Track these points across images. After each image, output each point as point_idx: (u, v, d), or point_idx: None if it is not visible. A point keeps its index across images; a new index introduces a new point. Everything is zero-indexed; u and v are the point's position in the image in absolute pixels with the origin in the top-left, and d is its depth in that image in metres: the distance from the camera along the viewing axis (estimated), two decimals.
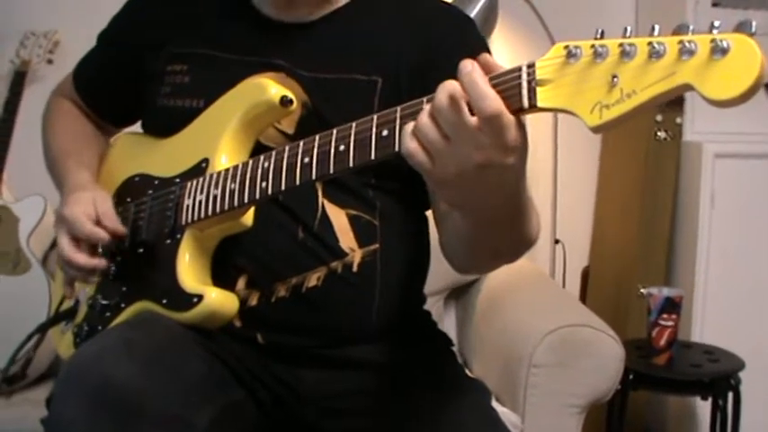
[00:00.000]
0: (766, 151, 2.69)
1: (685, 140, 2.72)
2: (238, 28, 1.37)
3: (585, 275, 3.02)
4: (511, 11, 2.65)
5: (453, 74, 0.93)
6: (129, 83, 1.45)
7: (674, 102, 2.67)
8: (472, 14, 2.41)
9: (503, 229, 1.08)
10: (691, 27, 0.82)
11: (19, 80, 2.45)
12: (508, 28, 2.70)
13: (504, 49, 2.69)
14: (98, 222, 1.30)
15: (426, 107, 0.95)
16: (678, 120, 2.70)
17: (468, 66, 0.92)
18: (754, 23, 0.79)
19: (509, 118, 0.91)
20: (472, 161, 0.92)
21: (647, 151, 2.72)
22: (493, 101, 0.90)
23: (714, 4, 2.67)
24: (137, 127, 1.53)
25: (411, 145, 0.94)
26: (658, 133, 2.70)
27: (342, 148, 1.05)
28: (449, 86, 0.92)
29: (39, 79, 2.50)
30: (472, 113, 0.91)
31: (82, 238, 1.30)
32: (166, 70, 1.38)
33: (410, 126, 0.95)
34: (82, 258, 1.30)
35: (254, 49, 1.34)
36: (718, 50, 0.79)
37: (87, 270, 1.31)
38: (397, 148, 0.99)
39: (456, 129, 0.92)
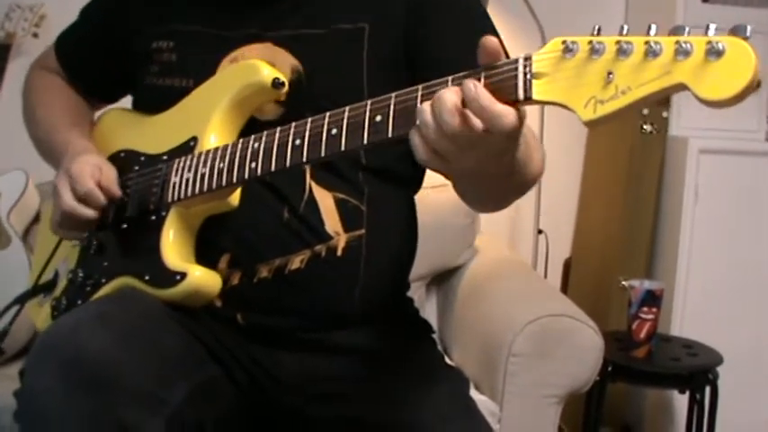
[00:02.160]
0: (751, 148, 2.70)
1: (671, 135, 2.73)
2: (220, 3, 1.36)
3: (567, 266, 3.03)
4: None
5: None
6: (112, 58, 1.45)
7: None
8: None
9: (507, 179, 1.10)
10: (687, 29, 0.84)
11: (3, 54, 2.42)
12: (498, 17, 2.68)
13: None
14: (99, 185, 1.29)
15: (431, 122, 0.93)
16: (664, 114, 2.70)
17: (472, 88, 0.91)
18: (749, 27, 0.81)
19: (518, 120, 0.92)
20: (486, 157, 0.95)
21: (633, 144, 2.73)
22: (509, 116, 0.91)
23: (704, 0, 2.67)
24: (124, 102, 1.52)
25: (425, 155, 0.95)
26: (644, 126, 2.70)
27: (334, 131, 1.05)
28: (451, 106, 0.91)
29: (24, 53, 2.47)
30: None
31: (81, 196, 1.29)
32: (152, 48, 1.37)
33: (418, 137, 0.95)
34: (80, 208, 1.28)
35: (238, 22, 1.33)
36: (714, 52, 0.81)
37: (81, 219, 1.29)
38: (390, 134, 1.00)
39: (473, 142, 0.93)
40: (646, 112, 2.69)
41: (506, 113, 0.91)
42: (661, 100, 2.75)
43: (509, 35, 2.69)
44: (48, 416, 1.04)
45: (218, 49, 1.31)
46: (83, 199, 1.28)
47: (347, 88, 1.26)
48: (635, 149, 2.73)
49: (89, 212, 1.29)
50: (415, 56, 1.28)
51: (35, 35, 2.49)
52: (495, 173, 1.02)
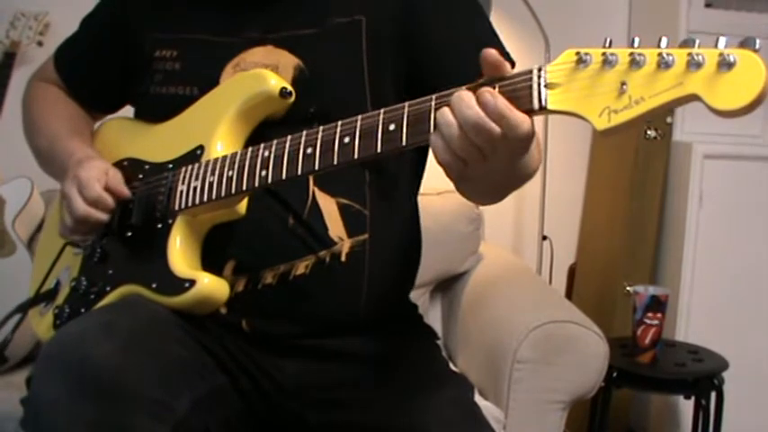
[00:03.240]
0: (755, 153, 2.70)
1: (675, 140, 2.73)
2: (222, 8, 1.37)
3: (572, 272, 3.03)
4: (504, 7, 2.65)
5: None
6: (114, 70, 1.46)
7: None
8: None
9: (511, 177, 1.12)
10: (696, 41, 0.86)
11: (8, 61, 2.43)
12: (501, 24, 2.69)
13: None
14: (107, 188, 1.29)
15: (455, 122, 0.95)
16: (668, 119, 2.70)
17: (491, 99, 0.93)
18: (758, 40, 0.84)
19: (532, 126, 0.95)
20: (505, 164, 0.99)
21: (637, 149, 2.73)
22: (525, 124, 0.94)
23: (707, 5, 2.67)
24: (123, 112, 1.53)
25: (447, 157, 0.97)
26: (648, 132, 2.70)
27: (347, 139, 1.06)
28: (471, 101, 0.94)
29: (28, 61, 2.47)
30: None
31: (90, 201, 1.29)
32: (155, 56, 1.38)
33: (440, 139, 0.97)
34: (93, 212, 1.28)
35: (239, 27, 1.34)
36: (725, 64, 0.84)
37: (95, 224, 1.29)
38: (404, 143, 1.02)
39: (493, 144, 0.95)
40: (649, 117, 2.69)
41: (523, 121, 0.93)
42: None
43: (513, 43, 2.70)
44: (54, 424, 1.04)
45: (222, 56, 1.32)
46: (93, 204, 1.29)
47: (349, 81, 1.28)
48: (639, 155, 2.73)
49: (103, 216, 1.29)
50: (412, 50, 1.30)
51: (40, 43, 2.50)
52: (505, 174, 1.04)
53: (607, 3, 2.96)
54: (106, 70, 1.49)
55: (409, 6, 1.30)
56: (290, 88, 1.23)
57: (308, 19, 1.31)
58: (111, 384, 1.04)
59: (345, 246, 1.28)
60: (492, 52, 0.96)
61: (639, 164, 2.74)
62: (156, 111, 1.38)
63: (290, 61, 1.29)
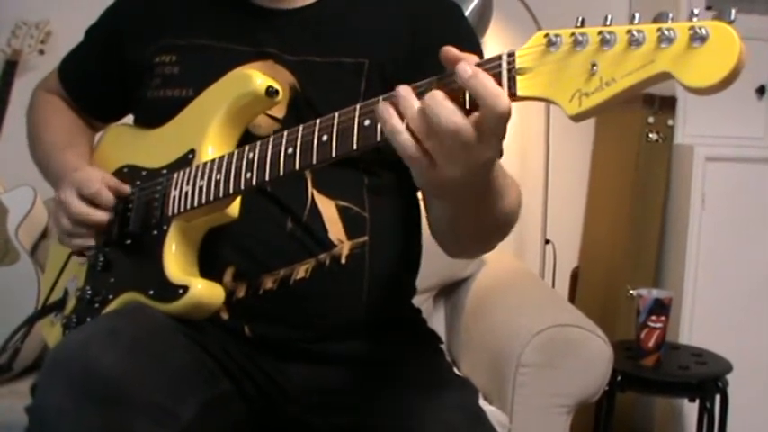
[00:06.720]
0: (757, 155, 2.70)
1: (676, 143, 2.73)
2: (226, 17, 1.37)
3: (575, 276, 3.03)
4: (505, 11, 2.65)
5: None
6: (116, 79, 1.46)
7: (665, 104, 2.68)
8: (466, 14, 2.41)
9: (481, 208, 1.09)
10: (670, 15, 0.82)
11: (10, 70, 2.44)
12: (502, 28, 2.70)
13: (498, 50, 2.69)
14: (106, 185, 1.30)
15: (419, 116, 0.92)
16: (670, 122, 2.70)
17: (468, 69, 0.90)
18: (733, 11, 0.79)
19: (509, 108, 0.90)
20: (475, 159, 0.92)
21: (639, 153, 2.73)
22: (502, 96, 0.88)
23: (708, 8, 2.67)
24: (126, 119, 1.53)
25: (416, 152, 0.94)
26: (650, 135, 2.70)
27: (324, 138, 1.05)
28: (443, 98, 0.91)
29: (30, 69, 2.48)
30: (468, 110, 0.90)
31: (87, 197, 1.29)
32: (155, 62, 1.38)
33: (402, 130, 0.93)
34: (92, 212, 1.29)
35: (242, 37, 1.34)
36: (697, 38, 0.78)
37: (94, 224, 1.29)
38: (378, 139, 0.99)
39: (463, 142, 0.91)
40: (651, 120, 2.70)
41: (501, 93, 0.89)
42: (666, 108, 2.74)
43: (511, 43, 2.72)
44: (58, 431, 1.04)
45: (220, 62, 1.31)
46: (92, 201, 1.29)
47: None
48: (641, 158, 2.73)
49: (100, 215, 1.29)
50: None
51: (41, 52, 2.51)
52: (474, 193, 1.01)
53: (608, 7, 2.97)
54: (108, 80, 1.49)
55: (418, 54, 1.29)
56: (276, 86, 1.22)
57: (315, 47, 1.32)
58: (116, 391, 1.04)
59: (345, 248, 1.28)
60: (450, 49, 0.94)
61: (641, 167, 2.74)
62: (153, 115, 1.38)
63: (286, 79, 1.29)
